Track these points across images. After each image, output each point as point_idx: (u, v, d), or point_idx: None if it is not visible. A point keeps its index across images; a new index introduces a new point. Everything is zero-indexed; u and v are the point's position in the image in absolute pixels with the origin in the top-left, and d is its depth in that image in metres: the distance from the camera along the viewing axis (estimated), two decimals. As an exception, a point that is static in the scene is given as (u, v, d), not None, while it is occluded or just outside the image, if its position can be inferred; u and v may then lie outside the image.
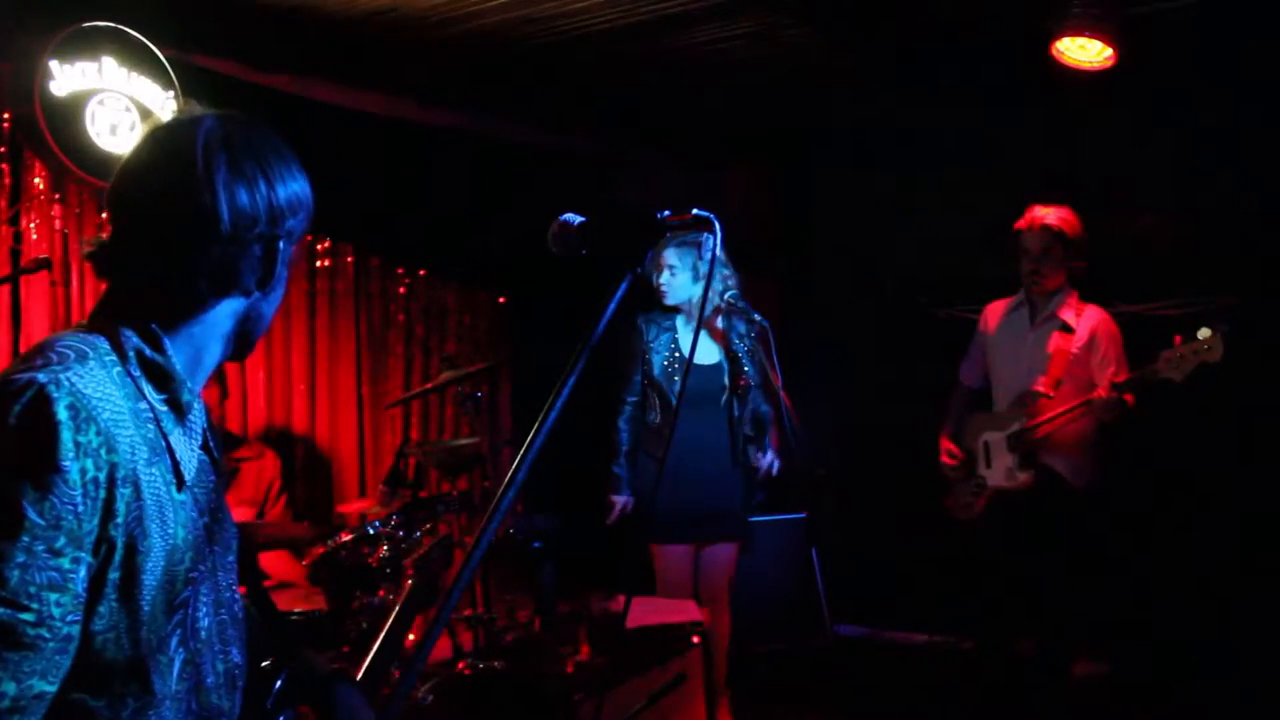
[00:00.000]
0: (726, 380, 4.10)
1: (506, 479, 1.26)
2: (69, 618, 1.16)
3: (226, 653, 1.38)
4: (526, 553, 3.82)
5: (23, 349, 3.69)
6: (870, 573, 5.40)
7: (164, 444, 1.27)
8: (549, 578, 3.75)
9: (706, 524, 4.11)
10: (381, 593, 3.57)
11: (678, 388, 4.06)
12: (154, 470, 1.25)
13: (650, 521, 4.06)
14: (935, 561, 4.92)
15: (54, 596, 1.14)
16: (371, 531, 3.65)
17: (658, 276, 4.08)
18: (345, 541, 3.60)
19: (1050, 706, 4.01)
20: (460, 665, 3.38)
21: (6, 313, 3.70)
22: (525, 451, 1.28)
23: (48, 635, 1.14)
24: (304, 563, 3.57)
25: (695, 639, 3.60)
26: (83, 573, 1.17)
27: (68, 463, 1.14)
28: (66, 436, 1.14)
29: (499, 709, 3.23)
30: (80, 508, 1.15)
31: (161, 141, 1.32)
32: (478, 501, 4.14)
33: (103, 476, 1.17)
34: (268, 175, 1.30)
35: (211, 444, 1.40)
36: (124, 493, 1.19)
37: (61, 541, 1.14)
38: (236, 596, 1.44)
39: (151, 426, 1.26)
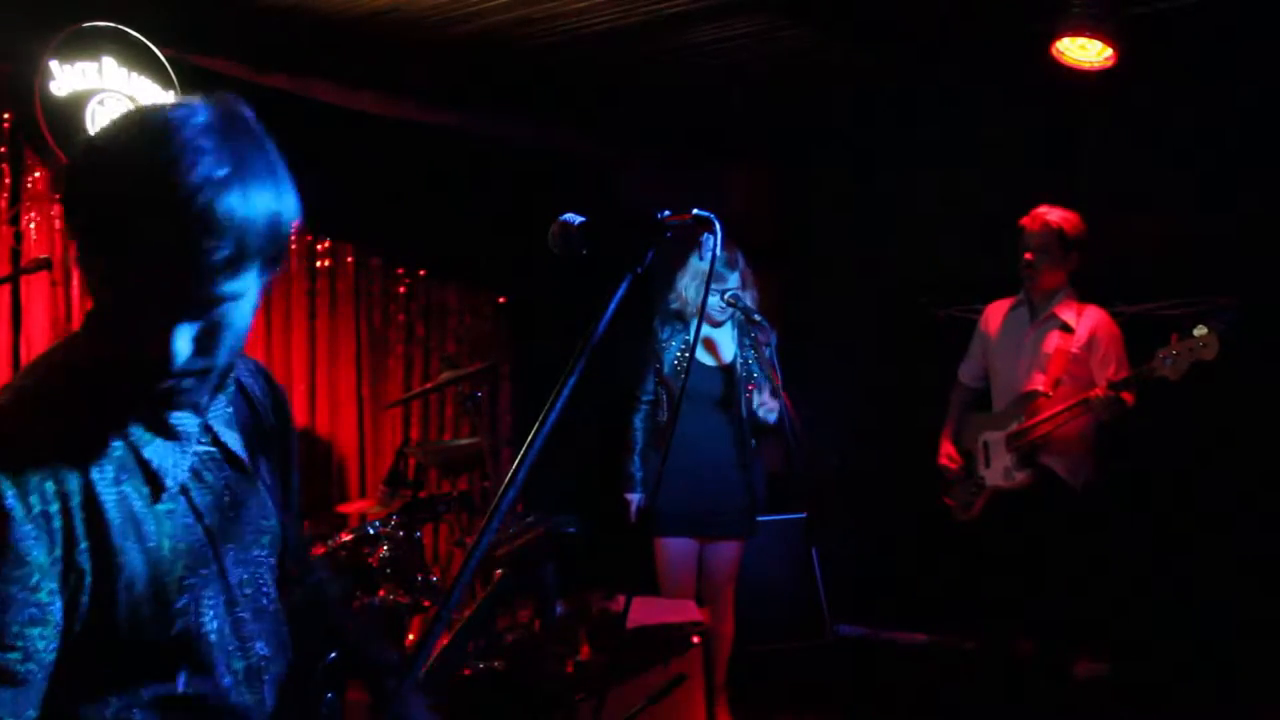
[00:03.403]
0: (732, 381, 4.11)
1: (506, 479, 1.26)
2: (51, 647, 1.17)
3: (246, 649, 1.34)
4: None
5: (23, 349, 3.70)
6: (870, 573, 5.40)
7: (134, 458, 1.24)
8: (549, 578, 3.74)
9: (709, 521, 4.12)
10: (382, 593, 3.57)
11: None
12: (123, 488, 1.22)
13: (653, 515, 4.08)
14: (935, 561, 4.92)
15: (36, 631, 1.15)
16: (371, 531, 3.65)
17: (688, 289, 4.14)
18: (345, 541, 3.60)
19: (1050, 706, 4.01)
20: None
21: (6, 313, 3.70)
22: (525, 451, 1.28)
23: (36, 668, 1.15)
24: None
25: (695, 639, 3.60)
26: (59, 603, 1.17)
27: (11, 502, 1.14)
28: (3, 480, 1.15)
29: (499, 709, 3.22)
30: (39, 540, 1.15)
31: (129, 136, 1.15)
32: (478, 501, 4.14)
33: (54, 509, 1.17)
34: (244, 179, 1.15)
35: (231, 433, 1.36)
36: (83, 516, 1.19)
37: (36, 578, 1.15)
38: (263, 589, 1.38)
39: (117, 442, 1.23)
